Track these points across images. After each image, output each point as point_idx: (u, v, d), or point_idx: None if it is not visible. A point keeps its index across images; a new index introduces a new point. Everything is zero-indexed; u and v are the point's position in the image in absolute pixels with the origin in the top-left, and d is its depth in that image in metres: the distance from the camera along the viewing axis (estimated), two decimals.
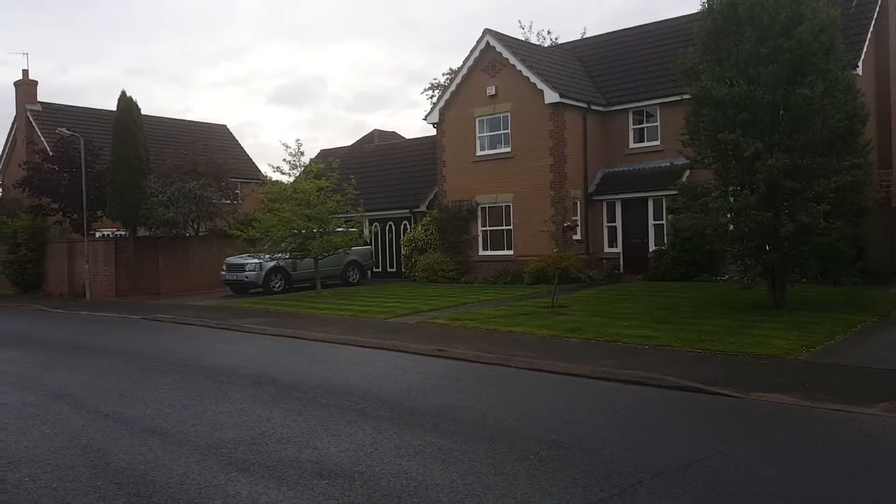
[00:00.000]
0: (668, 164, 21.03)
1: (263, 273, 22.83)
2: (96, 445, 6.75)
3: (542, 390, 8.93)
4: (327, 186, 20.95)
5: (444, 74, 40.95)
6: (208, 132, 39.27)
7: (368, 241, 23.71)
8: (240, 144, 42.47)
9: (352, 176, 22.27)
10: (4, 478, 5.92)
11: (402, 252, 25.40)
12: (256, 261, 22.70)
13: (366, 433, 6.84)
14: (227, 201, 26.63)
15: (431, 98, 38.01)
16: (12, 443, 6.99)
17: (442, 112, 24.25)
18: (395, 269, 27.38)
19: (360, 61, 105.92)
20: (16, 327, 18.08)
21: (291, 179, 21.95)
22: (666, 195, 21.20)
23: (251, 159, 41.46)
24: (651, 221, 21.75)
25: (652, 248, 21.50)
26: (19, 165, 29.49)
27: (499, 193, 22.93)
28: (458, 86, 23.79)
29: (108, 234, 28.94)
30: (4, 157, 38.21)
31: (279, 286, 23.22)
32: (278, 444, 6.53)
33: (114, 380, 10.04)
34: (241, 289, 23.56)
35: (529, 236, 22.06)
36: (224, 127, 43.27)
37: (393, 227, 27.11)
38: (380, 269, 27.40)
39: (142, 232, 27.12)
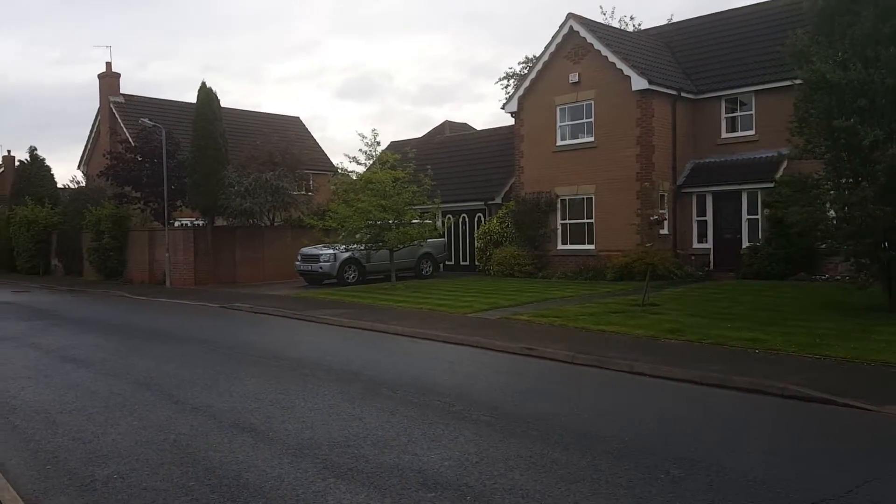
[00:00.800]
0: (764, 155, 19.84)
1: (338, 264, 22.63)
2: (185, 441, 6.42)
3: (649, 397, 8.21)
4: (403, 177, 20.52)
5: (519, 63, 40.18)
6: (282, 124, 39.63)
7: (441, 233, 23.17)
8: (312, 136, 42.70)
9: (428, 166, 21.79)
10: (93, 474, 5.62)
11: (477, 245, 24.80)
12: (331, 251, 22.51)
13: (467, 440, 6.29)
14: (302, 192, 26.60)
15: (506, 88, 37.30)
16: (100, 434, 6.74)
17: (520, 101, 23.51)
18: (468, 263, 26.84)
19: (425, 55, 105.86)
20: (101, 313, 18.34)
21: (364, 170, 21.71)
22: (762, 188, 19.97)
23: (323, 151, 41.62)
24: (745, 216, 20.52)
25: (745, 244, 20.29)
26: (103, 155, 30.26)
27: (580, 185, 22.07)
28: (539, 73, 23.00)
29: (185, 224, 29.37)
30: (88, 147, 39.42)
31: (353, 277, 22.99)
32: (374, 448, 6.05)
33: (198, 370, 9.81)
34: (315, 279, 23.45)
35: (612, 230, 21.16)
36: (297, 119, 43.59)
37: (466, 220, 26.54)
38: (452, 262, 26.90)
39: (219, 222, 27.41)
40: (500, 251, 23.17)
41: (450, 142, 31.66)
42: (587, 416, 7.15)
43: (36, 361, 10.84)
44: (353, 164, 21.86)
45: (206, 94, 25.56)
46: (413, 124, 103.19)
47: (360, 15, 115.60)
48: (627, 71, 20.74)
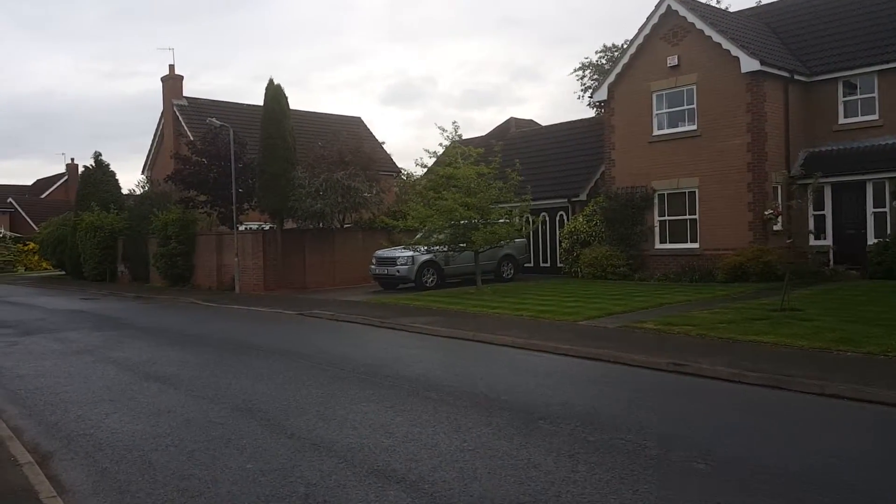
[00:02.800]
0: (890, 142, 17.72)
1: (416, 267, 21.22)
2: (320, 496, 4.99)
3: (886, 434, 6.48)
4: (488, 172, 18.98)
5: (597, 52, 38.03)
6: (344, 124, 38.54)
7: (529, 232, 21.42)
8: (374, 137, 41.54)
9: (517, 160, 20.18)
10: None
11: (562, 245, 23.07)
12: (409, 254, 21.10)
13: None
14: (373, 192, 25.28)
15: (582, 79, 35.43)
16: (210, 482, 5.37)
17: (611, 88, 21.72)
18: (548, 264, 25.15)
19: (467, 59, 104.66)
20: (174, 322, 17.31)
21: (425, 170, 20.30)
22: (890, 178, 17.84)
23: (386, 151, 40.40)
24: (870, 209, 18.39)
25: (871, 240, 18.16)
26: (170, 157, 29.57)
27: (680, 178, 20.18)
28: (632, 58, 21.17)
29: (249, 227, 28.42)
30: (152, 152, 39.07)
31: (431, 281, 21.56)
32: None
33: (302, 391, 8.44)
34: (390, 283, 22.11)
35: (719, 227, 19.24)
36: (359, 119, 42.56)
37: (547, 218, 24.82)
38: (531, 264, 25.23)
39: (287, 225, 26.34)
40: (589, 251, 21.42)
41: (525, 136, 29.94)
42: (822, 465, 5.48)
43: (116, 380, 9.66)
44: (433, 159, 20.36)
45: (274, 90, 24.51)
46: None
47: (404, 23, 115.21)
48: (735, 51, 18.79)
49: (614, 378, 9.01)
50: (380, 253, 22.51)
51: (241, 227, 26.82)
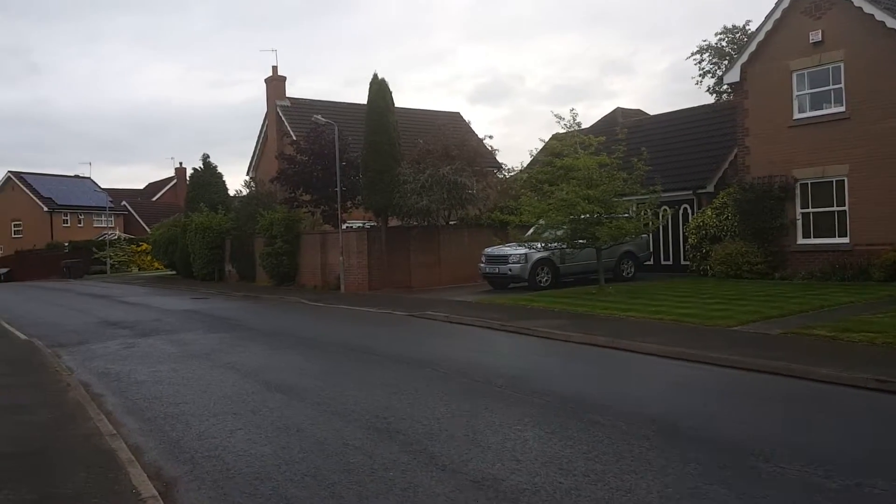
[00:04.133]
0: None
1: (529, 265, 19.98)
2: None
3: None
4: (611, 163, 17.52)
5: (717, 35, 35.42)
6: (443, 119, 37.70)
7: (652, 227, 19.69)
8: (474, 132, 40.54)
9: (643, 148, 18.62)
10: None
11: (688, 241, 21.27)
12: (522, 251, 19.89)
13: None
14: (481, 187, 24.21)
15: (700, 63, 33.15)
16: None
17: (744, 69, 19.77)
18: (670, 262, 23.38)
19: (556, 56, 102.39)
20: (285, 323, 16.83)
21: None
22: None
23: (488, 146, 39.28)
24: None
25: None
26: (275, 156, 29.58)
27: (826, 165, 18.08)
28: (768, 35, 19.18)
29: (351, 226, 27.99)
30: (256, 153, 39.55)
31: (546, 281, 20.26)
32: None
33: (440, 407, 7.42)
34: (501, 283, 20.98)
35: (874, 219, 17.08)
36: (458, 114, 41.69)
37: (659, 212, 23.00)
38: (650, 262, 23.50)
39: (390, 222, 25.70)
40: (721, 248, 19.58)
41: (639, 126, 28.04)
42: None
43: (237, 389, 8.97)
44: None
45: (378, 85, 23.85)
46: (545, 125, 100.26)
47: (491, 21, 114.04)
48: (892, 23, 16.60)
49: (807, 399, 7.57)
50: (490, 250, 21.44)
51: (344, 226, 26.41)
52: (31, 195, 58.17)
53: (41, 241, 54.66)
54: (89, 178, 64.67)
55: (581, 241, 17.71)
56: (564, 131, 18.69)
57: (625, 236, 17.52)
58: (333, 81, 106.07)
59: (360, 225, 27.54)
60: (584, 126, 20.70)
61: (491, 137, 25.77)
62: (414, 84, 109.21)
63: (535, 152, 26.47)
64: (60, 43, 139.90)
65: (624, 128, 20.07)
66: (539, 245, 18.82)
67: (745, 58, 19.74)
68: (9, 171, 60.40)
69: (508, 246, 21.05)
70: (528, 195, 18.91)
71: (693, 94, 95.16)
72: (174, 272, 39.31)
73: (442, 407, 7.45)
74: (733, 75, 20.12)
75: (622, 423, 6.53)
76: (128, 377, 10.08)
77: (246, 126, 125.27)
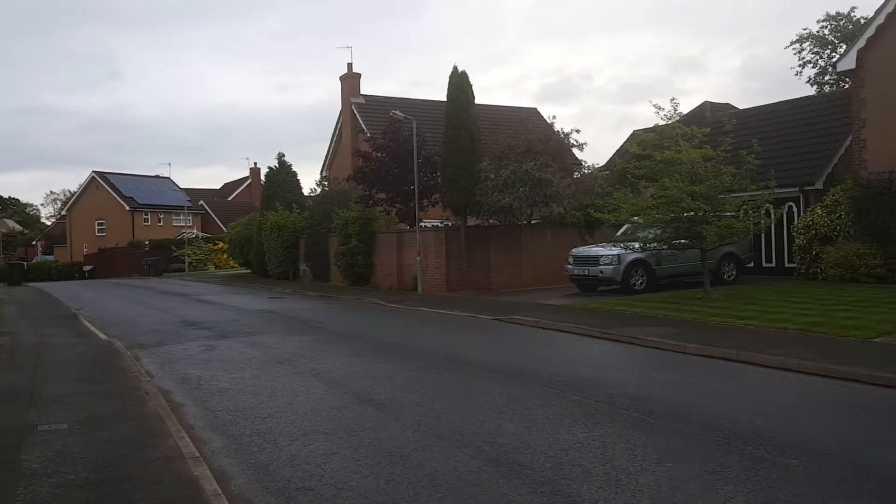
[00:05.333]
0: None
1: (622, 267, 18.64)
2: None
3: None
4: (717, 156, 16.04)
5: (818, 22, 32.97)
6: (521, 115, 36.53)
7: (763, 227, 17.95)
8: (552, 127, 39.19)
9: (754, 140, 17.04)
10: None
11: (796, 242, 19.51)
12: (615, 252, 18.57)
13: None
14: (566, 183, 22.93)
15: (799, 53, 30.95)
16: None
17: (860, 55, 17.96)
18: (773, 264, 21.58)
19: (625, 54, 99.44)
20: (365, 326, 16.08)
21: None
22: None
23: (571, 140, 37.82)
24: None
25: None
26: (352, 154, 29.06)
27: None
28: (888, 18, 17.35)
29: (425, 225, 27.18)
30: (330, 152, 39.30)
31: (640, 283, 18.86)
32: None
33: (565, 435, 6.37)
34: (589, 286, 19.71)
35: None
36: (535, 110, 40.43)
37: (771, 211, 21.24)
38: (750, 264, 21.75)
39: (468, 221, 24.73)
40: (835, 250, 17.81)
41: (737, 118, 26.17)
42: None
43: (325, 402, 8.14)
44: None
45: (458, 78, 22.90)
46: (613, 124, 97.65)
47: (558, 20, 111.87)
48: None
49: None
50: (578, 251, 20.20)
51: (421, 225, 25.62)
52: (114, 194, 59.91)
53: (123, 239, 56.16)
54: (169, 178, 66.31)
55: (683, 241, 16.29)
56: (664, 123, 17.28)
57: (733, 236, 16.01)
58: (399, 83, 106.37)
59: (437, 224, 26.68)
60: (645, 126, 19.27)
61: (578, 132, 24.18)
62: (479, 85, 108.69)
63: (611, 151, 25.03)
64: (142, 51, 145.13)
65: (732, 118, 18.45)
66: (635, 245, 17.47)
67: (862, 43, 17.92)
68: (93, 171, 62.41)
69: (599, 246, 19.77)
70: (623, 191, 17.56)
71: (773, 90, 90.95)
72: (249, 271, 39.44)
73: (566, 435, 6.39)
74: (848, 62, 18.31)
75: (797, 461, 5.33)
76: (209, 384, 9.41)
77: (316, 128, 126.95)
